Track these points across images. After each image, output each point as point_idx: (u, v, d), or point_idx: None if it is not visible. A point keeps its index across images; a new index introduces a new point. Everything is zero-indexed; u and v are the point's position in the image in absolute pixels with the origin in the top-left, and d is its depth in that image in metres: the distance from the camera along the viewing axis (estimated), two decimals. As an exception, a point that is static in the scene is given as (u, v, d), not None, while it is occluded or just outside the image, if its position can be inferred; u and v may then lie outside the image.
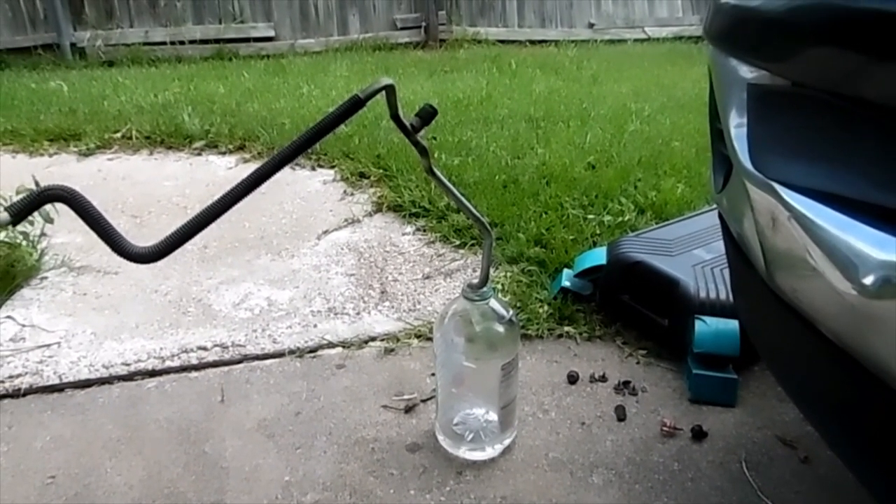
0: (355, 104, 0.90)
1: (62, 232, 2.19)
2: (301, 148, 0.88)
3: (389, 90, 0.95)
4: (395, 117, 1.02)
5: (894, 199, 0.60)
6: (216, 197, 0.89)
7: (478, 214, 1.22)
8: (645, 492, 1.23)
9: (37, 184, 2.06)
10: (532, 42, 6.82)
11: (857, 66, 0.63)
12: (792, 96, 0.73)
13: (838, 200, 0.65)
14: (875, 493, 0.76)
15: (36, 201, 0.74)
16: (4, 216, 0.72)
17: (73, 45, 5.58)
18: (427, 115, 1.05)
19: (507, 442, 1.34)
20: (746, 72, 0.82)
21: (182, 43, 5.82)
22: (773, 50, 0.76)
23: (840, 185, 0.65)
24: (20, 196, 1.98)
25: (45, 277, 2.04)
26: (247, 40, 6.05)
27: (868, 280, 0.60)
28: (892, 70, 0.60)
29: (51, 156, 3.23)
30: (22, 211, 0.73)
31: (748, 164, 0.78)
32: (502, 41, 6.72)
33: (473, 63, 5.51)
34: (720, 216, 1.06)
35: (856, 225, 0.63)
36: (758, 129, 0.78)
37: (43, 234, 2.12)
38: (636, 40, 7.09)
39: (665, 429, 1.38)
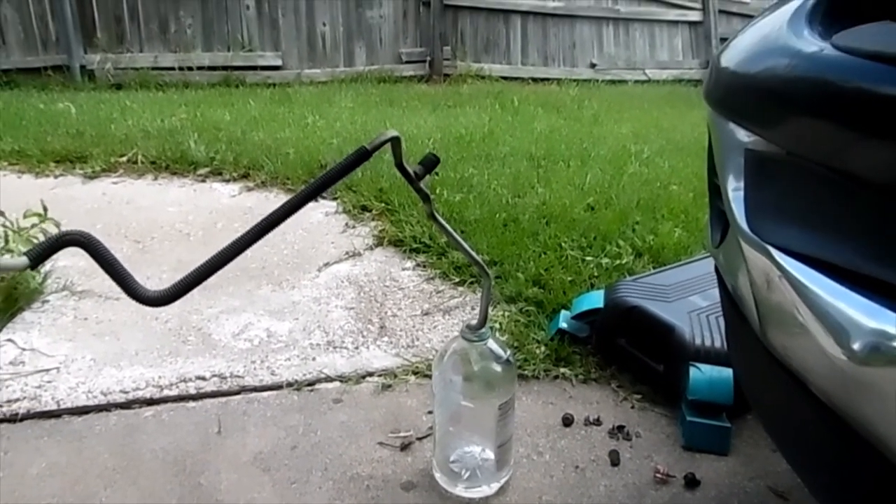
0: (362, 156, 0.94)
1: (65, 256, 2.20)
2: (309, 196, 0.91)
3: (395, 142, 0.98)
4: (399, 166, 1.05)
5: (883, 270, 0.63)
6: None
7: (477, 258, 1.25)
8: (637, 539, 1.24)
9: (45, 208, 2.09)
10: (535, 80, 6.95)
11: (844, 140, 0.67)
12: (787, 164, 0.76)
13: (831, 267, 0.68)
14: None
15: (54, 246, 0.77)
16: (23, 261, 0.75)
17: (82, 67, 5.66)
18: (430, 163, 1.08)
19: (503, 480, 1.35)
20: (744, 136, 0.86)
21: (190, 69, 5.92)
22: (769, 118, 0.80)
23: (831, 253, 0.68)
24: (33, 225, 2.00)
25: (47, 301, 2.05)
26: (254, 68, 6.15)
27: (857, 346, 0.63)
28: (877, 147, 0.63)
29: (56, 177, 3.27)
30: (41, 255, 0.76)
31: (745, 226, 0.81)
32: (505, 78, 6.85)
33: (476, 98, 5.60)
34: (716, 269, 1.09)
35: (847, 292, 0.66)
36: (754, 193, 0.82)
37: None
38: (637, 81, 7.23)
39: (658, 475, 1.39)
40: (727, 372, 1.46)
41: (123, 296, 0.88)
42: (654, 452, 1.47)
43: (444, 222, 1.17)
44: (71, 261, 2.23)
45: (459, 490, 1.33)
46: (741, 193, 0.84)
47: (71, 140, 3.68)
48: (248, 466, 1.40)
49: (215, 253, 0.90)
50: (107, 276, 0.90)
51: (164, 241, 2.55)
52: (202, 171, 3.34)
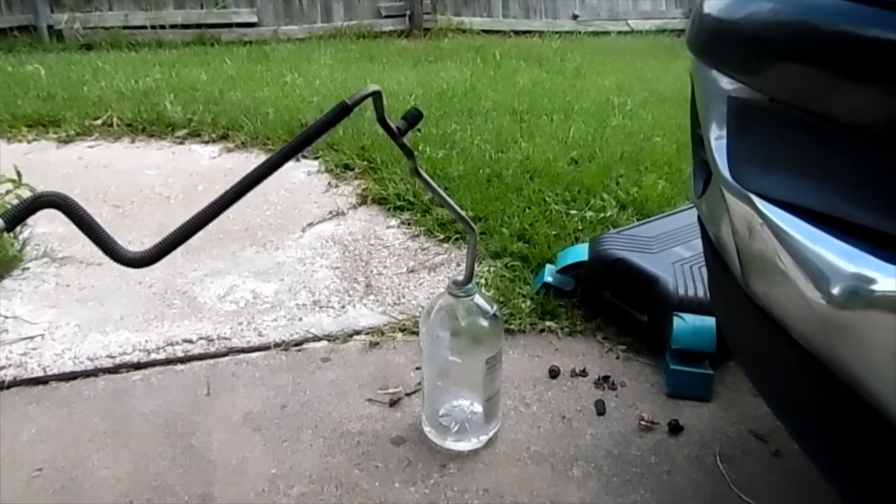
0: (343, 110, 0.92)
1: (44, 222, 2.18)
2: (290, 153, 0.90)
3: (376, 96, 0.97)
4: (381, 121, 1.04)
5: (864, 215, 0.63)
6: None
7: (462, 213, 1.25)
8: (623, 485, 1.27)
9: (18, 174, 2.05)
10: (516, 32, 6.83)
11: (827, 85, 0.66)
12: (769, 111, 0.76)
13: (811, 213, 0.69)
14: (838, 489, 0.80)
15: (30, 208, 0.75)
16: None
17: (50, 27, 5.48)
18: (413, 118, 1.07)
19: (491, 433, 1.38)
20: (727, 84, 0.85)
21: (163, 27, 5.75)
22: (751, 64, 0.79)
23: (812, 199, 0.69)
24: (7, 192, 1.96)
25: (27, 268, 2.02)
26: (229, 26, 5.99)
27: (836, 291, 0.64)
28: (860, 91, 0.63)
29: (29, 142, 3.19)
30: (16, 217, 0.74)
31: (727, 174, 0.81)
32: (486, 31, 6.72)
33: (458, 53, 5.51)
34: (699, 219, 1.09)
35: (826, 237, 0.66)
36: (737, 141, 0.81)
37: (24, 225, 2.10)
38: (619, 32, 7.13)
39: (643, 423, 1.42)
40: (710, 321, 1.48)
41: (106, 261, 0.88)
42: (639, 401, 1.50)
43: (428, 178, 1.16)
44: (50, 227, 2.20)
45: (449, 443, 1.36)
46: (724, 142, 0.84)
47: (42, 103, 3.58)
48: (238, 426, 1.41)
49: (196, 213, 0.89)
50: (88, 242, 0.89)
51: (144, 205, 2.52)
52: (180, 132, 3.28)
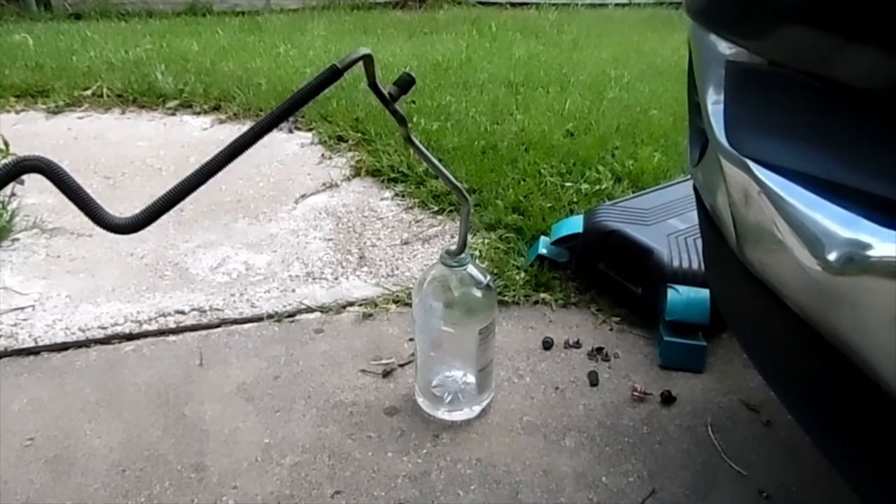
0: (333, 74, 0.90)
1: (33, 192, 2.15)
2: (279, 118, 0.88)
3: (367, 59, 0.94)
4: (373, 86, 1.01)
5: (860, 179, 0.62)
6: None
7: (456, 182, 1.23)
8: (615, 454, 1.28)
9: (6, 143, 2.02)
10: (512, 4, 6.72)
11: (830, 47, 0.65)
12: (768, 75, 0.74)
13: (809, 179, 0.68)
14: (831, 458, 0.80)
15: (11, 172, 0.74)
16: (-20, 186, 0.71)
17: (38, -5, 5.37)
18: (405, 83, 1.05)
19: (484, 403, 1.38)
20: (725, 48, 0.83)
21: (153, -4, 5.64)
22: (751, 27, 0.77)
23: (811, 164, 0.67)
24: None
25: (17, 239, 2.00)
26: (221, -5, 5.87)
27: (832, 256, 0.63)
28: (864, 52, 0.61)
29: (17, 113, 3.14)
30: (-2, 181, 0.72)
31: (723, 141, 0.80)
32: (482, 3, 6.62)
33: (453, 25, 5.43)
34: (695, 188, 1.08)
35: (823, 203, 0.65)
36: (734, 106, 0.80)
37: (13, 195, 2.08)
38: (617, 5, 7.03)
39: (636, 394, 1.43)
40: (704, 293, 1.48)
41: (96, 232, 0.86)
42: (632, 372, 1.50)
43: (420, 146, 1.14)
44: (39, 198, 2.17)
45: (442, 413, 1.36)
46: (721, 107, 0.82)
47: (30, 73, 3.52)
48: (231, 397, 1.41)
49: (185, 178, 0.87)
50: (78, 213, 0.87)
51: (135, 177, 2.49)
52: (171, 103, 3.23)
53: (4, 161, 1.94)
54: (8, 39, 4.31)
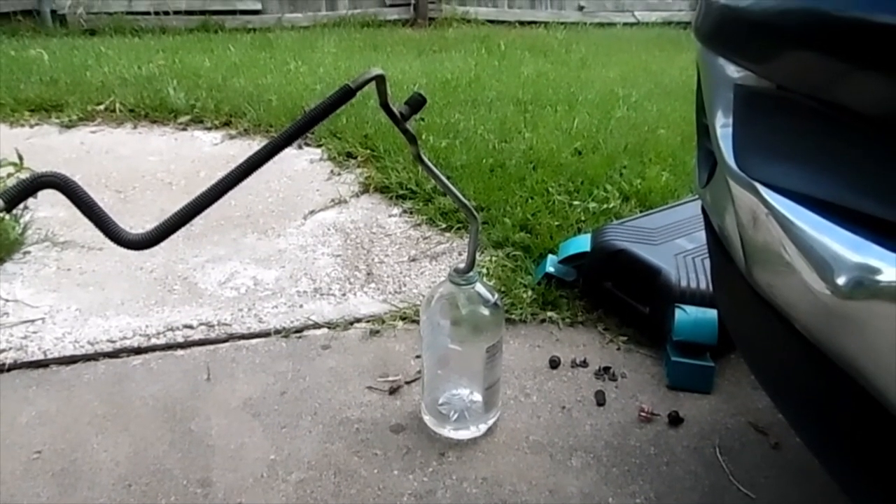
0: (346, 93, 0.91)
1: (45, 206, 2.18)
2: (293, 136, 0.89)
3: (380, 79, 0.96)
4: (384, 106, 1.03)
5: (869, 204, 0.62)
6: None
7: (465, 201, 1.24)
8: (622, 475, 1.27)
9: (20, 157, 2.05)
10: (521, 23, 6.79)
11: (838, 72, 0.65)
12: (776, 99, 0.75)
13: (817, 203, 0.68)
14: (838, 480, 0.80)
15: (30, 188, 0.75)
16: (-1, 203, 0.73)
17: (53, 12, 5.45)
18: (416, 103, 1.06)
19: (490, 422, 1.38)
20: (733, 71, 0.84)
21: (166, 13, 5.72)
22: (759, 51, 0.78)
23: (819, 188, 0.68)
24: (9, 175, 1.96)
25: (28, 252, 2.02)
26: (233, 13, 5.96)
27: (841, 281, 0.63)
28: (871, 78, 0.62)
29: (31, 127, 3.19)
30: (15, 198, 0.73)
31: (732, 163, 0.80)
32: (491, 21, 6.69)
33: (462, 43, 5.48)
34: (703, 209, 1.09)
35: (832, 227, 0.65)
36: (743, 129, 0.80)
37: (26, 208, 2.10)
38: (625, 24, 7.09)
39: (643, 414, 1.42)
40: (712, 313, 1.47)
41: (107, 246, 0.87)
42: (639, 392, 1.50)
43: (430, 164, 1.15)
44: (51, 211, 2.19)
45: (448, 431, 1.35)
46: (729, 130, 0.83)
47: (45, 88, 3.57)
48: (237, 412, 1.41)
49: (197, 195, 0.88)
50: (89, 227, 0.88)
51: (145, 191, 2.51)
52: (183, 119, 3.27)
53: (21, 176, 1.97)
54: (24, 54, 4.38)
